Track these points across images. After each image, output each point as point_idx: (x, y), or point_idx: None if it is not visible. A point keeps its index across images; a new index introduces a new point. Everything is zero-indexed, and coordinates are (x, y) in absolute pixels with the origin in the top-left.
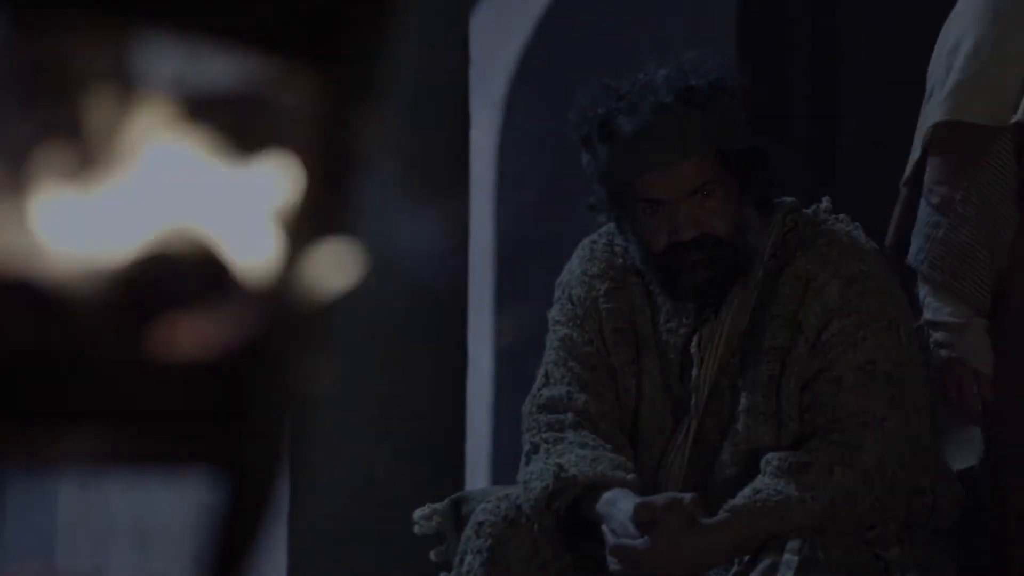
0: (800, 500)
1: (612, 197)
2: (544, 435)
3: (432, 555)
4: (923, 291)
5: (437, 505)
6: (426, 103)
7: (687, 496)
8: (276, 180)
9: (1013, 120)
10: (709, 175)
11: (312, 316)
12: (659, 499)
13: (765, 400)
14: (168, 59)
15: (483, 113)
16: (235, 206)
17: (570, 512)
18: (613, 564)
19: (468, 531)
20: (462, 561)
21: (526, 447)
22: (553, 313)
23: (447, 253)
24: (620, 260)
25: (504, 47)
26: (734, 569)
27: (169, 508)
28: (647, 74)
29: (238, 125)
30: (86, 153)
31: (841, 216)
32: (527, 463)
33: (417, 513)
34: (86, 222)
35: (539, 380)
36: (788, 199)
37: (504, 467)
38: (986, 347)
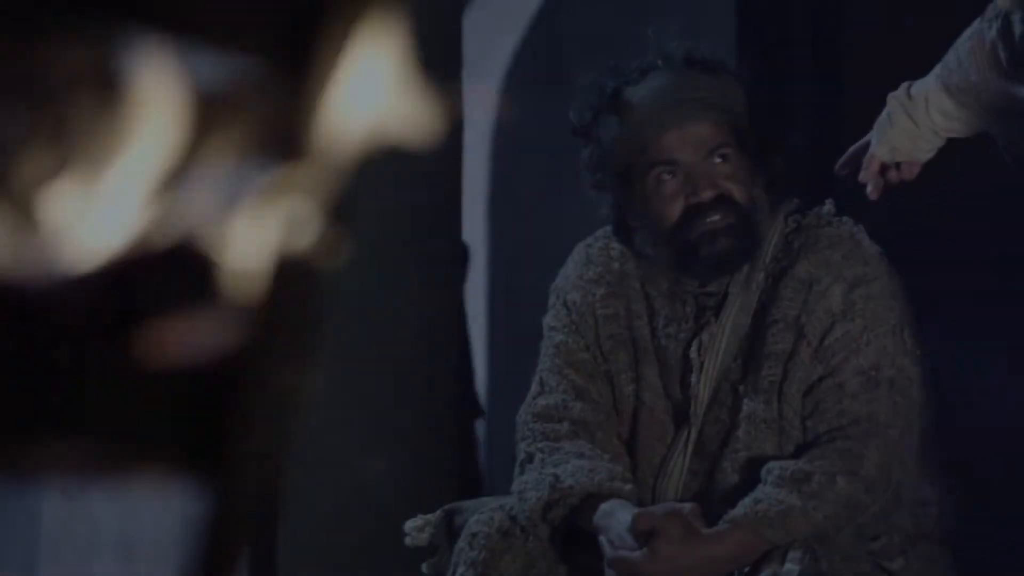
0: (802, 510)
1: (620, 178)
2: (539, 444)
3: (424, 567)
4: None
5: (430, 516)
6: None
7: (686, 506)
8: (264, 182)
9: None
10: (725, 138)
11: (302, 321)
12: (658, 509)
13: (766, 406)
14: (152, 60)
15: (476, 113)
16: (222, 208)
17: (566, 523)
18: None
19: (461, 543)
20: (455, 573)
21: (521, 456)
22: (548, 319)
23: (439, 257)
24: (617, 264)
25: (497, 47)
26: None
27: (155, 519)
28: (653, 49)
29: (225, 126)
30: (69, 155)
31: (844, 218)
32: (522, 473)
33: (409, 524)
34: (70, 225)
35: (534, 388)
36: (792, 200)
37: (499, 477)
38: None
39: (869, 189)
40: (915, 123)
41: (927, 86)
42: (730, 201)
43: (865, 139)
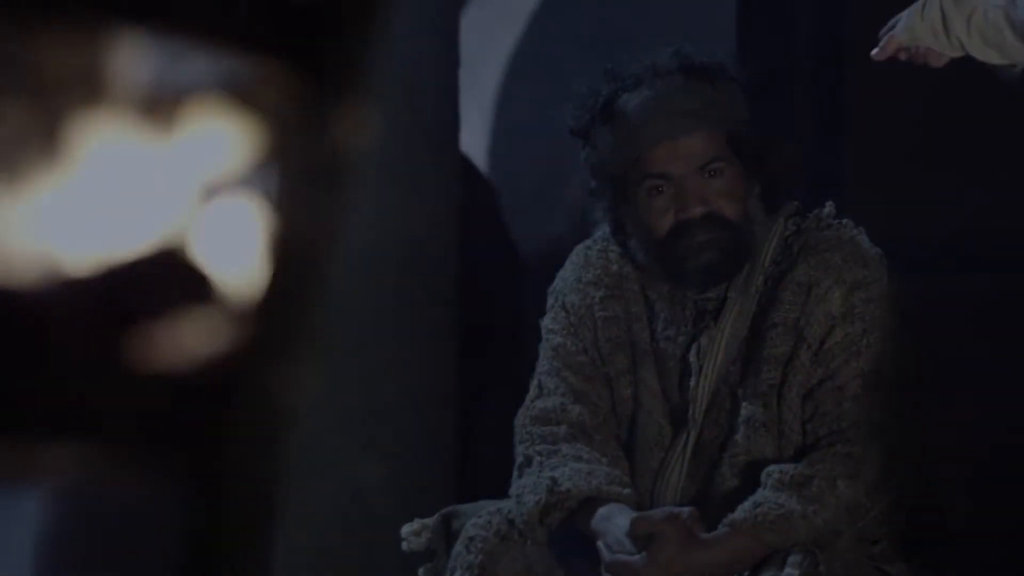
0: (802, 514)
1: (614, 185)
2: (537, 448)
3: (421, 572)
4: None
5: (426, 520)
6: (415, 104)
7: (685, 510)
8: (259, 184)
9: None
10: (718, 152)
11: (296, 325)
12: (656, 513)
13: (765, 410)
14: (149, 58)
15: (473, 114)
16: (217, 211)
17: (563, 527)
18: None
19: (459, 547)
20: None
21: (519, 460)
22: (546, 321)
23: (437, 259)
24: (615, 267)
25: (494, 47)
26: None
27: (149, 524)
28: (650, 57)
29: (220, 127)
30: (61, 156)
31: (844, 220)
32: (520, 476)
33: (405, 529)
34: (61, 228)
35: (532, 391)
36: (791, 203)
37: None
38: None
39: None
40: (946, 30)
41: (985, 2)
42: (720, 218)
43: (896, 19)
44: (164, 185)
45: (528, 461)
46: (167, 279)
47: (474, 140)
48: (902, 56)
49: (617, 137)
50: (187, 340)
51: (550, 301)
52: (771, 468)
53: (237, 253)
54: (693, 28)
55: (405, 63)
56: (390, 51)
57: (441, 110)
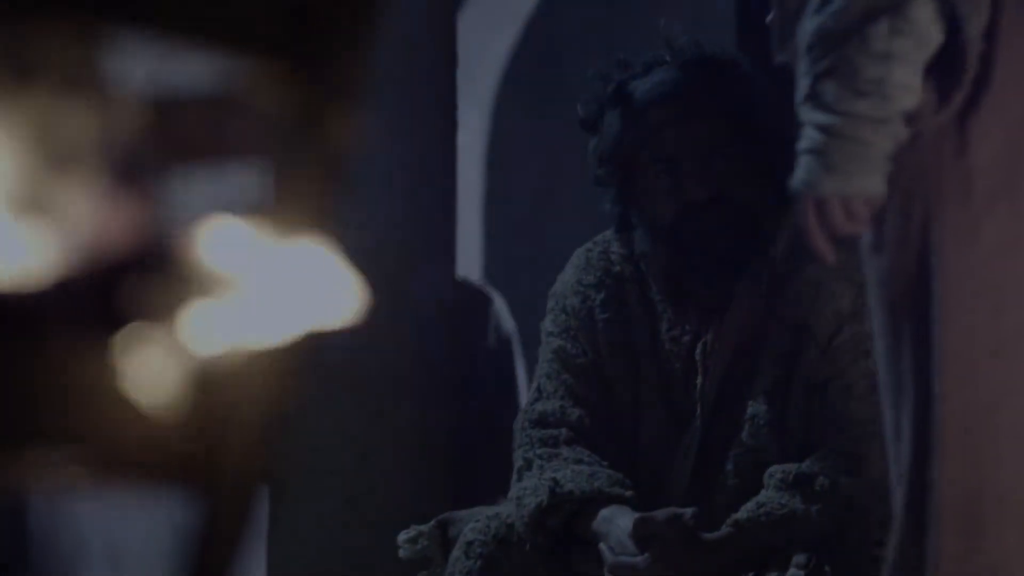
0: (805, 514)
1: (621, 171)
2: (537, 451)
3: None
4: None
5: (422, 527)
6: (412, 105)
7: (688, 511)
8: (255, 185)
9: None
10: (727, 139)
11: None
12: (659, 514)
13: (771, 408)
14: (143, 59)
15: (470, 115)
16: (213, 212)
17: (564, 530)
18: None
19: (457, 552)
20: None
21: (518, 463)
22: (546, 324)
23: (434, 260)
24: (616, 268)
25: (491, 47)
26: None
27: (143, 527)
28: (660, 45)
29: (216, 128)
30: (58, 157)
31: None
32: (519, 479)
33: (401, 536)
34: (58, 230)
35: (531, 394)
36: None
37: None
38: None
39: None
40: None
41: None
42: (727, 202)
43: None
44: (162, 185)
45: (528, 464)
46: (162, 281)
47: (472, 140)
48: None
49: (626, 120)
50: (182, 342)
51: (550, 304)
52: (774, 468)
53: (236, 254)
54: (692, 28)
55: (403, 64)
56: (388, 52)
57: (438, 111)
